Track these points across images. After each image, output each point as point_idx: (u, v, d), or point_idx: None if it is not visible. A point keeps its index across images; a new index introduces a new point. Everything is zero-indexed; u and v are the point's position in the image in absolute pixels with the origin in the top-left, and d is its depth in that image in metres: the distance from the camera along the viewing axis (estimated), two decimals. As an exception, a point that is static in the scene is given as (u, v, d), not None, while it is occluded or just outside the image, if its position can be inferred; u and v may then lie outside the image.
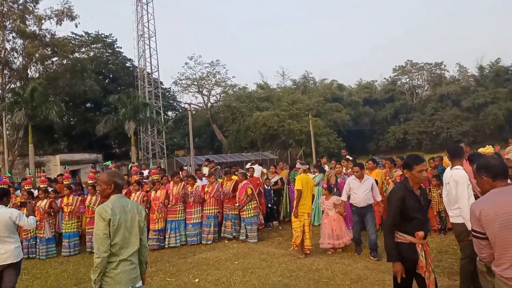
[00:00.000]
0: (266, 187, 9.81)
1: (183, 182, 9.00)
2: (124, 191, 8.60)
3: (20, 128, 27.19)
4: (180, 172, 12.75)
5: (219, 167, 13.94)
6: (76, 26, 33.14)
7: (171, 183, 9.05)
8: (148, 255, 3.61)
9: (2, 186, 9.23)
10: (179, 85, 49.65)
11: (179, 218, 8.66)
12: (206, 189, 8.82)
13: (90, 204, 8.62)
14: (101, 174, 3.49)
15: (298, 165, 7.73)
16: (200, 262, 7.12)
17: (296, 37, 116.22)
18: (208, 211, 8.69)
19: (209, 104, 51.19)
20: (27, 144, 27.18)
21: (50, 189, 9.57)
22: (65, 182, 9.78)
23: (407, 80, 61.87)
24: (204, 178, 10.25)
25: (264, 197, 9.69)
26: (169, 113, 48.13)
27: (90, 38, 40.52)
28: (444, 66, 59.07)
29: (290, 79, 59.36)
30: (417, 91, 61.35)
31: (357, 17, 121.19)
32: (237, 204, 8.54)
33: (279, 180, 10.33)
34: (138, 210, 3.37)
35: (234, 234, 8.67)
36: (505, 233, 2.52)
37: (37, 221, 6.13)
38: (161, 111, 37.16)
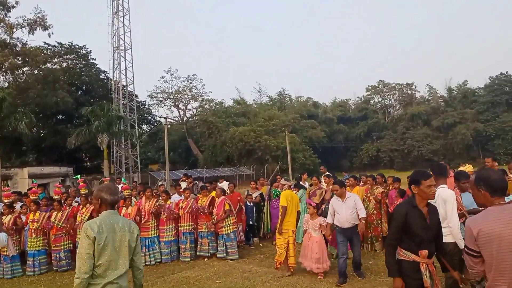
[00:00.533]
0: (248, 204, 9.66)
1: (157, 198, 8.73)
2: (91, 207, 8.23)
3: (-14, 139, 25.99)
4: (158, 187, 12.48)
5: (197, 182, 13.70)
6: (50, 36, 32.40)
7: (143, 198, 8.77)
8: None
9: None
10: (154, 99, 49.03)
11: (153, 235, 8.35)
12: (180, 204, 8.61)
13: (56, 220, 8.16)
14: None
15: (283, 181, 7.62)
16: (180, 281, 6.87)
17: (273, 53, 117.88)
18: (183, 228, 8.45)
19: (185, 118, 50.75)
20: (-7, 156, 25.95)
21: (20, 204, 9.08)
22: (32, 197, 9.21)
23: (380, 99, 63.75)
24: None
25: (245, 213, 9.54)
26: (144, 126, 47.33)
27: (63, 48, 39.53)
28: (415, 86, 61.38)
29: (267, 96, 59.79)
30: (389, 110, 63.19)
31: (330, 36, 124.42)
32: (213, 220, 8.35)
33: (258, 196, 10.23)
34: (130, 229, 3.11)
35: (211, 251, 8.44)
36: (503, 255, 2.50)
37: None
38: (136, 125, 36.47)
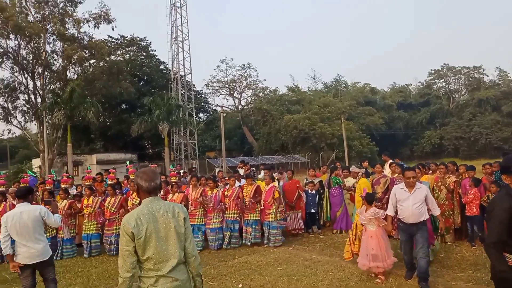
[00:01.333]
0: (309, 192, 9.46)
1: (201, 187, 8.69)
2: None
3: (59, 127, 28.12)
4: (217, 174, 12.71)
5: (254, 169, 13.78)
6: (113, 29, 34.16)
7: (190, 186, 8.80)
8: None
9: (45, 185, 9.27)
10: (210, 88, 50.12)
11: (199, 223, 8.40)
12: (226, 193, 8.57)
13: (109, 205, 8.49)
14: None
15: (355, 169, 7.27)
16: (241, 266, 6.90)
17: (328, 39, 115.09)
18: (228, 216, 8.44)
19: (240, 106, 51.35)
20: (65, 143, 28.07)
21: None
22: (86, 183, 9.59)
23: (443, 84, 60.14)
24: (242, 180, 10.07)
25: (306, 201, 9.38)
26: (201, 115, 48.63)
27: (125, 41, 41.50)
28: (483, 70, 57.09)
29: (321, 82, 58.83)
30: (453, 95, 59.49)
31: (390, 19, 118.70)
32: (262, 207, 8.33)
33: (317, 183, 10.02)
34: (174, 214, 2.75)
35: (252, 241, 8.35)
36: None
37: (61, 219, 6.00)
38: (193, 113, 37.48)
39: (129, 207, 8.49)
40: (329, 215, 9.63)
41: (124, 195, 8.97)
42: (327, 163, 32.68)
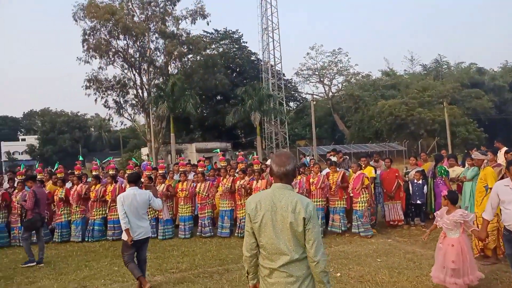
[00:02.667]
0: (416, 182, 8.94)
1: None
2: (228, 178, 8.93)
3: (163, 119, 30.68)
4: (308, 161, 12.70)
5: (347, 157, 13.46)
6: (208, 24, 35.59)
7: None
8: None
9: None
10: (300, 76, 49.84)
11: None
12: (311, 180, 8.51)
13: (200, 190, 8.96)
14: None
15: (478, 156, 6.58)
16: (338, 255, 6.85)
17: (427, 16, 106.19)
18: (315, 203, 8.33)
19: (330, 93, 50.28)
20: (169, 133, 30.55)
21: (192, 174, 10.33)
22: (181, 169, 10.21)
23: None
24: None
25: (412, 191, 8.97)
26: (291, 103, 48.74)
27: (219, 35, 43.23)
28: None
29: (420, 64, 54.67)
30: None
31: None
32: (350, 194, 8.35)
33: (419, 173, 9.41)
34: (295, 209, 2.48)
35: (342, 228, 8.30)
36: None
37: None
38: (284, 102, 37.76)
39: (219, 192, 9.05)
40: (433, 207, 9.02)
41: (213, 182, 9.52)
42: (427, 151, 30.49)
